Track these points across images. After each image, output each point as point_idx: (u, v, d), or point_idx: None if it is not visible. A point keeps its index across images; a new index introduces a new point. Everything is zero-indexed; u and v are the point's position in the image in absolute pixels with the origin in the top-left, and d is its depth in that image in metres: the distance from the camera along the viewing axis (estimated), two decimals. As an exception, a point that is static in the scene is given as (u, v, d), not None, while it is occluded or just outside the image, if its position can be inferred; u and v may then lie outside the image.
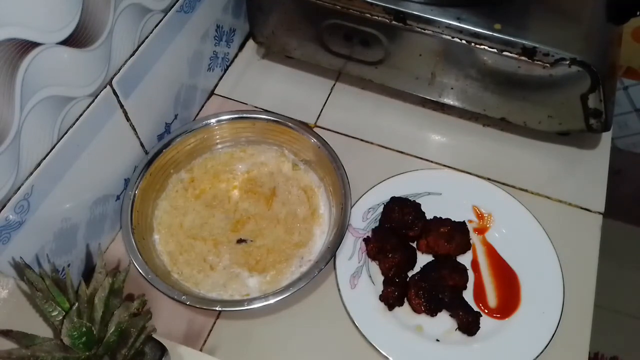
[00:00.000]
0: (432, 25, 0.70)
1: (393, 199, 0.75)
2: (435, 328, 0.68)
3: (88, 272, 0.70)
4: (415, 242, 0.74)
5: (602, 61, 0.69)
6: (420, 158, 0.82)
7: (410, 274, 0.71)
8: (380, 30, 0.74)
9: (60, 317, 0.47)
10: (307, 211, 0.74)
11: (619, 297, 1.32)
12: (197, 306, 0.64)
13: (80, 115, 0.59)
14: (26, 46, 0.49)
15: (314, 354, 0.66)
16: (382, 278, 0.71)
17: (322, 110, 0.87)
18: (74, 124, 0.59)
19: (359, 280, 0.70)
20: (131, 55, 0.65)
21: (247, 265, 0.70)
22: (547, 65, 0.68)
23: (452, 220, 0.74)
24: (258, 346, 0.67)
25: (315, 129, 0.82)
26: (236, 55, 0.94)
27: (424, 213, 0.74)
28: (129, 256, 0.66)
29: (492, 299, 0.70)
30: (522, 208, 0.75)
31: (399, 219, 0.73)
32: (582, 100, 0.71)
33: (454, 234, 0.72)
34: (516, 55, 0.69)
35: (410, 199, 0.75)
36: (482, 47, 0.70)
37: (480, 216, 0.76)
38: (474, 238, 0.74)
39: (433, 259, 0.73)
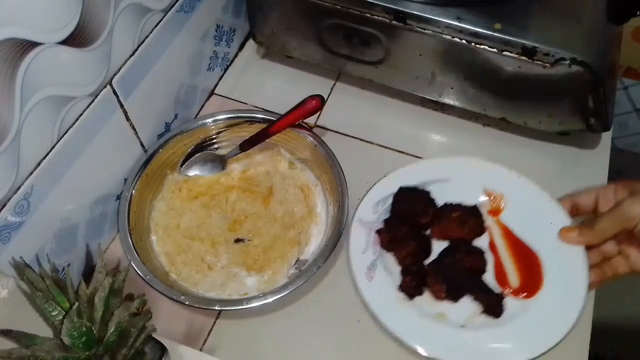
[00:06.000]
0: (432, 25, 0.70)
1: (402, 188, 0.74)
2: (459, 314, 0.67)
3: (88, 272, 0.70)
4: (429, 230, 0.73)
5: (602, 61, 0.69)
6: (421, 158, 0.82)
7: (426, 262, 0.71)
8: (380, 30, 0.74)
9: (60, 317, 0.47)
10: (304, 210, 0.74)
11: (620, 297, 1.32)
12: (196, 306, 0.64)
13: (80, 115, 0.59)
14: (26, 46, 0.49)
15: (314, 353, 0.66)
16: (398, 269, 0.70)
17: (322, 110, 0.87)
18: (74, 123, 0.59)
19: (375, 273, 0.69)
20: (131, 55, 0.65)
21: (245, 265, 0.70)
22: (547, 65, 0.68)
23: (463, 204, 0.73)
24: (258, 345, 0.67)
25: (315, 129, 0.82)
26: (236, 55, 0.94)
27: (433, 200, 0.74)
28: (127, 257, 0.66)
29: (514, 279, 0.69)
30: (534, 186, 0.74)
31: (410, 208, 0.73)
32: (582, 100, 0.71)
33: (467, 218, 0.72)
34: (516, 55, 0.69)
35: (419, 187, 0.75)
36: (482, 46, 0.70)
37: (492, 198, 0.75)
38: (489, 220, 0.74)
39: (447, 245, 0.72)
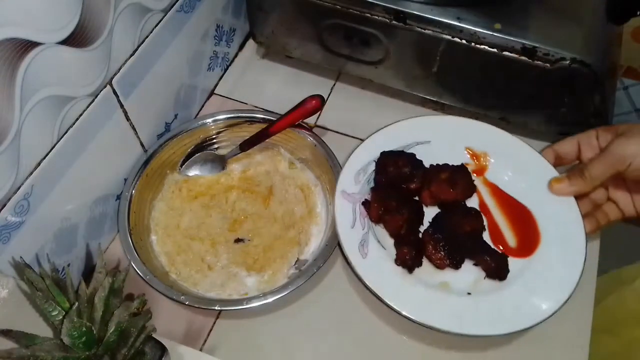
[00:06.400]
0: (432, 25, 0.70)
1: (384, 153, 0.71)
2: (462, 281, 0.64)
3: (88, 272, 0.70)
4: (418, 196, 0.70)
5: (602, 61, 0.69)
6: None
7: (420, 230, 0.68)
8: (380, 30, 0.74)
9: (60, 317, 0.47)
10: (304, 209, 0.74)
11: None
12: (196, 306, 0.64)
13: (80, 115, 0.59)
14: (26, 46, 0.49)
15: (315, 352, 0.66)
16: (391, 241, 0.67)
17: (322, 110, 0.87)
18: (74, 123, 0.59)
19: (368, 248, 0.65)
20: (131, 55, 0.65)
21: (245, 265, 0.70)
22: (547, 65, 0.68)
23: (450, 165, 0.71)
24: (258, 345, 0.67)
25: (315, 129, 0.82)
26: (236, 55, 0.94)
27: (421, 162, 0.71)
28: (127, 257, 0.66)
29: (510, 239, 0.67)
30: (519, 141, 0.72)
31: (396, 173, 0.69)
32: (583, 100, 0.71)
33: (456, 178, 0.69)
34: (516, 55, 0.69)
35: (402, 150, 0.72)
36: (482, 46, 0.70)
37: (475, 157, 0.73)
38: (475, 181, 0.72)
39: (439, 210, 0.69)
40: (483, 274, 0.65)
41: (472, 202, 0.70)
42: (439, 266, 0.65)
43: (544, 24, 0.71)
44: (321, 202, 0.75)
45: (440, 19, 0.70)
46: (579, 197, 0.68)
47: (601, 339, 0.74)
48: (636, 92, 1.25)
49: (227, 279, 0.69)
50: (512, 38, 0.68)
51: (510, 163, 0.71)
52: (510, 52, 0.69)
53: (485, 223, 0.68)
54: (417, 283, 0.64)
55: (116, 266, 0.72)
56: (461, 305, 0.62)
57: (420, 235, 0.67)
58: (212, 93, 0.90)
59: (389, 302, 0.61)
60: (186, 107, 0.83)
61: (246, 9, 0.88)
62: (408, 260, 0.64)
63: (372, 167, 0.71)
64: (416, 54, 0.75)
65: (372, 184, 0.70)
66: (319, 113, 0.82)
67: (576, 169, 0.67)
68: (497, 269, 0.63)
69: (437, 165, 0.70)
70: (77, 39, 0.55)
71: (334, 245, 0.67)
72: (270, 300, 0.63)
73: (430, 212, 0.69)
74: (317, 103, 0.73)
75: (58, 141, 0.57)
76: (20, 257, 0.54)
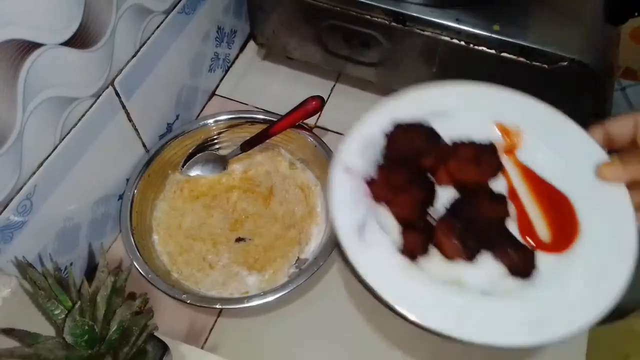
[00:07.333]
0: (432, 27, 0.71)
1: (398, 125, 0.61)
2: (479, 277, 0.54)
3: (90, 271, 0.70)
4: (433, 175, 0.60)
5: (600, 62, 0.69)
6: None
7: (429, 213, 0.58)
8: (379, 31, 0.74)
9: (63, 316, 0.47)
10: (305, 209, 0.75)
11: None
12: (198, 304, 0.65)
13: (83, 115, 0.60)
14: (28, 47, 0.50)
15: (315, 351, 0.67)
16: (397, 226, 0.56)
17: (322, 110, 0.87)
18: (76, 124, 0.59)
19: (367, 233, 0.55)
20: (133, 56, 0.65)
21: (246, 264, 0.70)
22: (546, 65, 0.68)
23: (475, 141, 0.60)
24: (260, 344, 0.67)
25: (316, 130, 0.82)
26: (237, 57, 0.94)
27: (438, 135, 0.61)
28: (130, 257, 0.66)
29: (542, 231, 0.56)
30: (561, 116, 0.61)
31: (408, 148, 0.59)
32: (581, 100, 0.72)
33: (481, 155, 0.58)
34: (515, 56, 0.69)
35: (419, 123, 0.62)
36: (481, 48, 0.70)
37: (506, 133, 0.62)
38: (504, 161, 0.61)
39: (455, 192, 0.59)
40: (504, 269, 0.54)
41: (499, 186, 0.59)
42: (449, 255, 0.54)
43: (543, 25, 0.71)
44: (321, 202, 0.76)
45: (439, 21, 0.70)
46: (630, 187, 0.56)
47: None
48: (634, 93, 1.25)
49: (228, 278, 0.69)
50: (510, 39, 0.68)
51: (549, 142, 0.60)
52: (509, 53, 0.69)
53: (513, 212, 0.57)
54: (422, 276, 0.53)
55: (118, 265, 0.72)
56: (476, 306, 0.51)
57: (430, 219, 0.57)
58: (213, 94, 0.90)
59: (386, 298, 0.51)
60: (188, 108, 0.83)
61: (247, 10, 0.89)
62: (415, 248, 0.54)
63: (382, 140, 0.61)
64: (416, 56, 0.76)
65: (380, 161, 0.60)
66: (319, 114, 0.82)
67: (633, 151, 0.56)
68: (521, 263, 0.53)
69: (461, 141, 0.61)
70: (80, 40, 0.55)
71: (334, 244, 0.68)
72: (270, 299, 0.64)
73: (445, 194, 0.58)
74: (317, 104, 0.73)
75: (60, 142, 0.58)
76: (23, 256, 0.55)
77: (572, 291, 0.52)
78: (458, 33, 0.70)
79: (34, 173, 0.55)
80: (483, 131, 0.62)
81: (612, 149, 0.59)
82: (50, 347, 0.47)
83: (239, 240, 0.73)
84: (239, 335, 0.67)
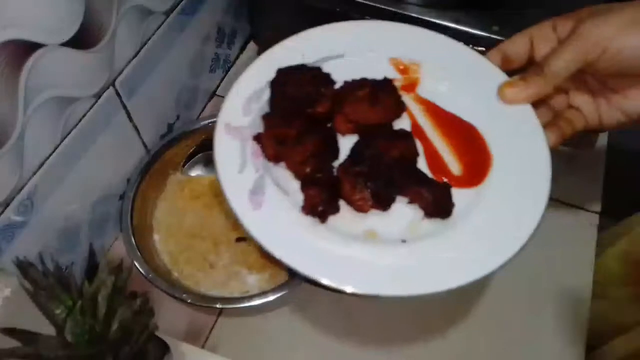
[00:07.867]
0: (431, 28, 0.71)
1: (281, 70, 0.56)
2: (394, 226, 0.49)
3: (91, 271, 0.70)
4: (330, 123, 0.54)
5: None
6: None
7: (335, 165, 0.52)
8: (379, 31, 0.74)
9: (64, 315, 0.47)
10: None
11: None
12: (198, 304, 0.65)
13: (84, 116, 0.60)
14: (29, 47, 0.50)
15: (316, 350, 0.67)
16: (296, 184, 0.51)
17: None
18: (77, 124, 0.59)
19: (264, 197, 0.49)
20: (134, 57, 0.65)
21: (246, 264, 0.70)
22: (545, 66, 0.68)
23: (369, 79, 0.55)
24: (260, 343, 0.67)
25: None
26: (237, 57, 0.94)
27: (329, 77, 0.55)
28: (130, 256, 0.67)
29: (454, 166, 0.53)
30: (457, 44, 0.59)
31: (297, 94, 0.53)
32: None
33: (378, 95, 0.53)
34: (514, 57, 0.69)
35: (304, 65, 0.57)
36: (481, 48, 0.70)
37: (403, 70, 0.58)
38: (405, 99, 0.56)
39: (362, 135, 0.54)
40: (421, 213, 0.50)
41: (403, 125, 0.55)
42: (362, 209, 0.49)
43: (542, 26, 0.71)
44: (322, 202, 0.76)
45: (439, 22, 0.70)
46: (535, 105, 0.55)
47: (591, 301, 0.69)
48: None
49: (229, 278, 0.69)
50: (510, 39, 0.68)
51: (448, 72, 0.57)
52: (509, 53, 0.69)
53: (420, 151, 0.53)
54: (332, 236, 0.48)
55: (119, 265, 0.71)
56: (396, 258, 0.47)
57: (335, 171, 0.51)
58: (213, 94, 0.90)
59: (294, 265, 0.45)
60: (188, 108, 0.83)
61: (247, 11, 0.89)
62: (319, 205, 0.48)
63: (268, 91, 0.55)
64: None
65: (267, 114, 0.54)
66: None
67: (532, 68, 0.54)
68: (437, 204, 0.48)
69: (354, 81, 0.55)
70: (81, 40, 0.55)
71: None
72: (271, 298, 0.64)
73: (349, 142, 0.53)
74: None
75: (61, 142, 0.58)
76: (24, 256, 0.55)
77: (491, 224, 0.49)
78: (458, 34, 0.70)
79: (35, 173, 0.56)
80: (380, 70, 0.57)
81: (511, 69, 0.57)
82: (51, 346, 0.47)
83: (239, 239, 0.73)
84: (239, 334, 0.68)
